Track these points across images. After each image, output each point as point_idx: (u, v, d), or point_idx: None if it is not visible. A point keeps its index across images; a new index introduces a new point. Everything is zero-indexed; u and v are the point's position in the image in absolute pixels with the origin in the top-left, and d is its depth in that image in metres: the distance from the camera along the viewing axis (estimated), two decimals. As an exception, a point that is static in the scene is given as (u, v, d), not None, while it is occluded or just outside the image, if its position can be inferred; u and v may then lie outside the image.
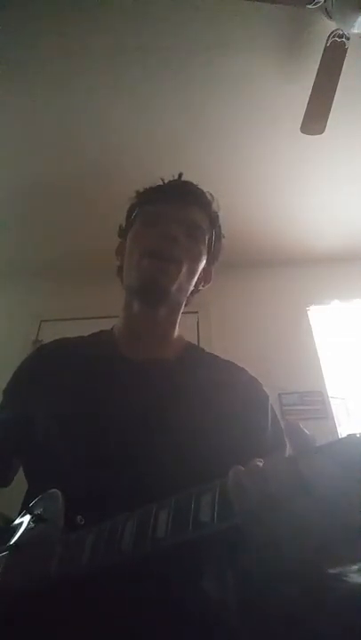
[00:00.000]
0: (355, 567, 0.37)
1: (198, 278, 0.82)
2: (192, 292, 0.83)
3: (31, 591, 0.49)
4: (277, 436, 0.70)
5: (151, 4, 1.62)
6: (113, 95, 1.96)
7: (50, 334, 0.97)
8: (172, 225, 0.76)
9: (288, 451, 0.68)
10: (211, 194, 0.85)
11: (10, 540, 0.59)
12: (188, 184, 0.84)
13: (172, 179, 0.85)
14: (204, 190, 0.84)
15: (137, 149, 2.22)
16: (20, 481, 0.74)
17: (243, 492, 0.35)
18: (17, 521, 0.63)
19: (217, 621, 0.51)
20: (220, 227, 0.87)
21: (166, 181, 0.85)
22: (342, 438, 0.34)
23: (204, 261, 0.83)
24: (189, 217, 0.79)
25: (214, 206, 0.85)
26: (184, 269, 0.76)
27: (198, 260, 0.80)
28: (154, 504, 0.43)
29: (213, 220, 0.85)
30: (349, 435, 0.34)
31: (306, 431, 0.37)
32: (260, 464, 0.37)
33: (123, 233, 0.87)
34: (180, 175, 0.85)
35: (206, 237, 0.82)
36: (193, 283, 0.81)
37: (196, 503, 0.39)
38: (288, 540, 0.33)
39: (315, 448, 0.35)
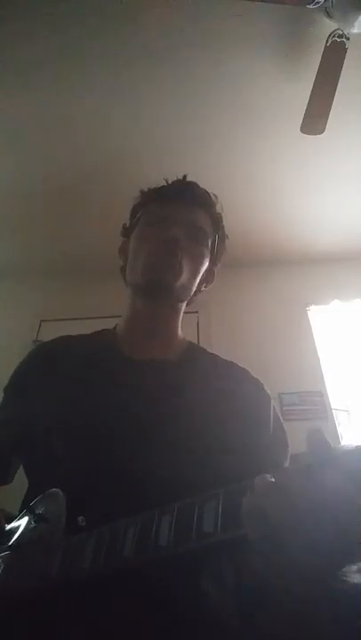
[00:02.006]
0: (355, 567, 0.37)
1: (200, 279, 0.83)
2: (195, 293, 0.84)
3: (32, 593, 0.49)
4: (279, 438, 0.70)
5: (151, 3, 1.62)
6: (113, 95, 1.96)
7: (50, 334, 0.97)
8: (175, 227, 0.76)
9: (290, 453, 0.68)
10: (215, 195, 0.85)
11: (10, 539, 0.59)
12: (192, 185, 0.84)
13: (176, 179, 0.85)
14: (208, 191, 0.84)
15: (137, 149, 2.22)
16: (20, 479, 0.74)
17: (255, 509, 0.35)
18: (18, 520, 0.63)
19: (217, 624, 0.51)
20: (223, 228, 0.87)
21: (170, 182, 0.85)
22: (355, 447, 0.34)
23: (207, 263, 0.83)
24: (193, 219, 0.80)
25: (218, 208, 0.85)
26: (186, 270, 0.77)
27: (201, 263, 0.80)
28: (156, 510, 0.43)
29: (217, 221, 0.85)
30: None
31: (327, 440, 0.36)
32: (273, 478, 0.36)
33: (127, 232, 0.87)
34: (185, 176, 0.85)
35: (209, 239, 0.82)
36: (195, 284, 0.81)
37: (199, 511, 0.39)
38: (296, 552, 0.32)
39: (329, 459, 0.34)
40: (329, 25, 1.61)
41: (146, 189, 0.86)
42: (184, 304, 0.83)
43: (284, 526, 0.33)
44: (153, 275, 0.75)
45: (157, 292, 0.76)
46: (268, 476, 0.36)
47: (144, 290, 0.78)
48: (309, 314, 2.80)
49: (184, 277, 0.76)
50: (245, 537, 0.35)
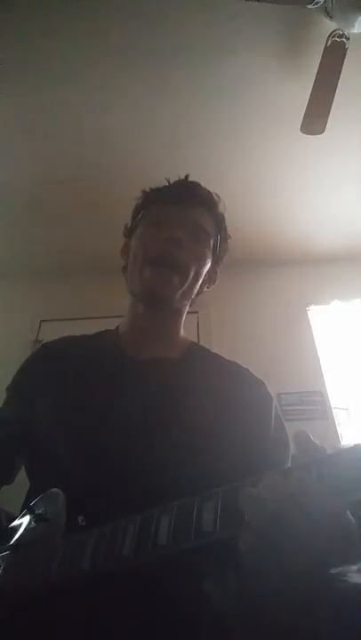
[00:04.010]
0: (355, 567, 0.38)
1: (203, 280, 0.82)
2: (197, 294, 0.83)
3: (31, 592, 0.49)
4: (280, 438, 0.69)
5: (151, 4, 1.62)
6: (113, 95, 1.96)
7: (50, 334, 0.97)
8: (178, 228, 0.75)
9: (291, 452, 0.68)
10: (217, 195, 0.84)
11: (11, 539, 0.59)
12: (194, 185, 0.84)
13: (178, 179, 0.85)
14: (211, 191, 0.84)
15: (137, 149, 2.22)
16: (21, 479, 0.74)
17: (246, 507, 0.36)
18: (18, 520, 0.63)
19: (217, 624, 0.51)
20: (225, 228, 0.86)
21: (173, 182, 0.84)
22: (348, 449, 0.34)
23: (209, 263, 0.82)
24: (195, 219, 0.79)
25: (220, 208, 0.84)
26: (190, 275, 0.76)
27: (203, 264, 0.80)
28: (155, 509, 0.43)
29: (219, 221, 0.85)
30: (355, 445, 0.34)
31: (314, 441, 0.37)
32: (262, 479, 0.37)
33: (128, 233, 0.86)
34: (187, 176, 0.85)
35: (212, 240, 0.82)
36: (198, 285, 0.81)
37: (198, 511, 0.39)
38: (284, 553, 0.33)
39: (320, 459, 0.35)
40: (329, 25, 1.61)
41: (148, 189, 0.86)
42: (187, 306, 0.83)
43: (285, 529, 0.33)
44: (152, 288, 0.74)
45: (156, 304, 0.76)
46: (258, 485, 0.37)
47: (143, 300, 0.78)
48: (309, 314, 2.79)
49: (186, 286, 0.76)
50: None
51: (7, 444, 0.75)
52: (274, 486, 0.36)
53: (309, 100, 1.77)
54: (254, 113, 2.05)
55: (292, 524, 0.33)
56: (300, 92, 1.80)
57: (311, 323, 2.75)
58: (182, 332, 0.83)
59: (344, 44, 1.61)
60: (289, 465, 0.65)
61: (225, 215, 0.86)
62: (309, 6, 1.51)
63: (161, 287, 0.74)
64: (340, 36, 1.60)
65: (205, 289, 0.87)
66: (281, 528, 0.34)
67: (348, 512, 0.34)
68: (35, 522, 0.56)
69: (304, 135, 1.91)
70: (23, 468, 0.74)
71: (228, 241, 0.89)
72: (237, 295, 2.76)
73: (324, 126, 1.85)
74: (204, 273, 0.82)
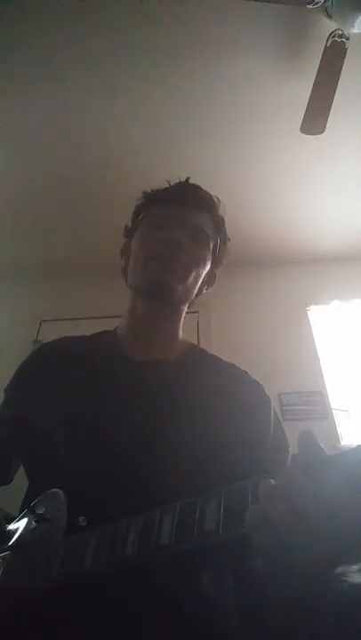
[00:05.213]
0: (355, 567, 0.38)
1: (202, 282, 0.83)
2: (196, 295, 0.84)
3: (32, 592, 0.49)
4: (279, 440, 0.70)
5: (151, 3, 1.62)
6: (112, 95, 1.96)
7: (50, 334, 0.97)
8: (178, 230, 0.76)
9: (291, 455, 0.68)
10: (217, 198, 0.85)
11: (11, 540, 0.59)
12: (194, 187, 0.84)
13: (178, 181, 0.85)
14: (211, 194, 0.84)
15: (136, 149, 2.22)
16: (20, 479, 0.74)
17: (260, 516, 0.36)
18: (18, 520, 0.63)
19: (218, 624, 0.51)
20: (225, 231, 0.87)
21: (173, 183, 0.85)
22: (351, 449, 0.34)
23: (209, 266, 0.83)
24: (195, 222, 0.80)
25: (220, 210, 0.85)
26: (190, 276, 0.77)
27: (203, 266, 0.81)
28: (158, 509, 0.43)
29: (219, 224, 0.85)
30: (358, 446, 0.34)
31: (318, 443, 0.37)
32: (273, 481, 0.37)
33: (128, 233, 0.87)
34: (188, 179, 0.85)
35: (211, 243, 0.82)
36: (197, 287, 0.81)
37: (200, 511, 0.39)
38: (292, 549, 0.33)
39: (322, 459, 0.35)
40: (329, 25, 1.61)
41: (149, 190, 0.86)
42: (185, 306, 0.83)
43: (286, 528, 0.33)
44: (155, 278, 0.75)
45: (159, 294, 0.76)
46: (271, 480, 0.36)
47: (145, 292, 0.78)
48: (309, 314, 2.79)
49: (188, 281, 0.77)
50: (247, 536, 0.35)
51: (5, 444, 0.75)
52: (294, 479, 0.35)
53: (309, 100, 1.76)
54: (254, 113, 2.05)
55: (310, 518, 0.33)
56: (300, 92, 1.80)
57: (311, 323, 2.75)
58: (181, 334, 0.84)
59: (344, 44, 1.61)
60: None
61: (225, 218, 0.86)
62: (309, 6, 1.51)
63: (164, 276, 0.74)
64: (341, 36, 1.60)
65: (204, 291, 0.87)
66: (300, 523, 0.33)
67: None
68: (35, 522, 0.56)
69: (304, 135, 1.91)
70: (22, 468, 0.74)
71: (230, 241, 0.89)
72: (237, 295, 2.76)
73: (325, 126, 1.85)
74: (204, 275, 0.82)
